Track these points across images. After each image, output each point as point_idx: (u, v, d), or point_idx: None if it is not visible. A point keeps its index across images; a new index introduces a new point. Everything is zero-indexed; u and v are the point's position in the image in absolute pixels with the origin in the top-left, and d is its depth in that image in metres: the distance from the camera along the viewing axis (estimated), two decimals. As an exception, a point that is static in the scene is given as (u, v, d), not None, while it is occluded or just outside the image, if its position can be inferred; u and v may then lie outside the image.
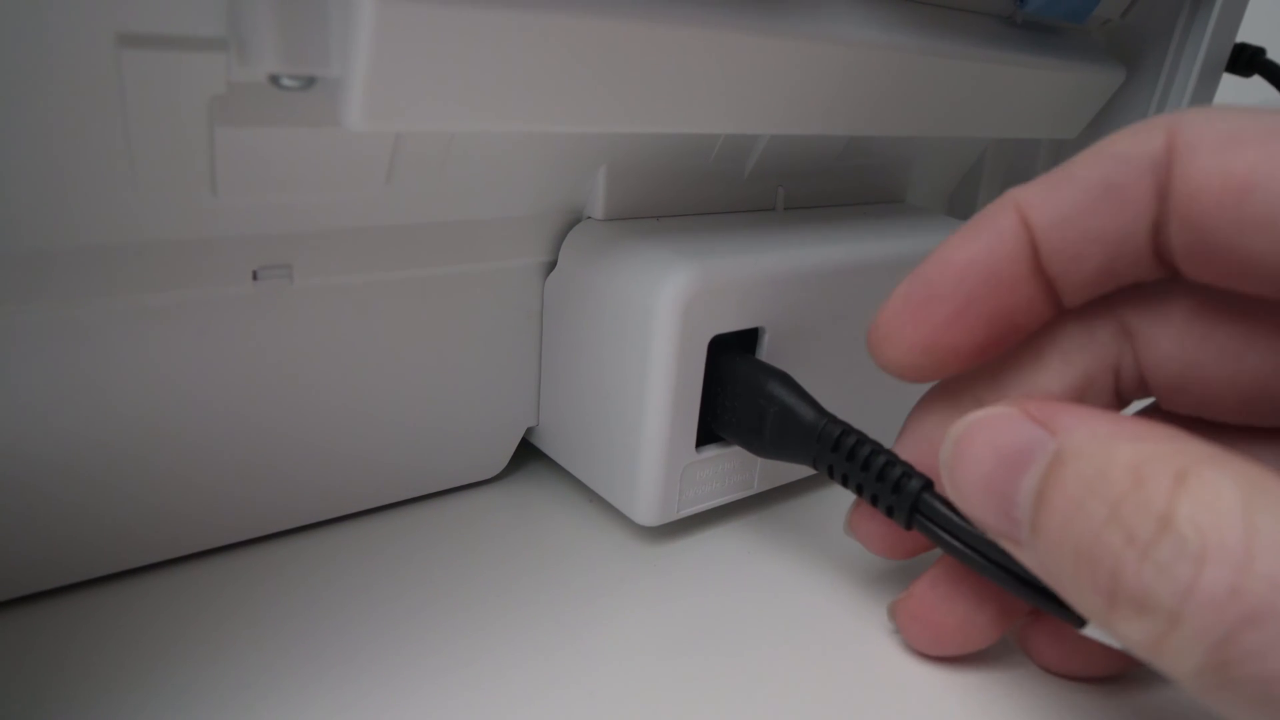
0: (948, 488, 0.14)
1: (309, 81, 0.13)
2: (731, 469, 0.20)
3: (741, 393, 0.18)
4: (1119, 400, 0.16)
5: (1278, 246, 0.12)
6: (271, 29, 0.12)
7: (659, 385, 0.18)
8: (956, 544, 0.15)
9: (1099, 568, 0.11)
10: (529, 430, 0.22)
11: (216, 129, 0.14)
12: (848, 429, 0.17)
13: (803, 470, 0.21)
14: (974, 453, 0.14)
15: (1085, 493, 0.12)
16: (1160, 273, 0.14)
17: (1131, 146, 0.13)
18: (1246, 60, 0.27)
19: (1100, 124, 0.27)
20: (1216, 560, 0.10)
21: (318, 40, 0.13)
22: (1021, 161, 0.29)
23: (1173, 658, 0.11)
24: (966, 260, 0.15)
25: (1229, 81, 0.27)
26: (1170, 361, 0.15)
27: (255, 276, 0.17)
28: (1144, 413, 0.16)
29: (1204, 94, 0.26)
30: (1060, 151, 0.28)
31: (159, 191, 0.15)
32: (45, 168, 0.14)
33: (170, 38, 0.13)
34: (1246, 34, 0.27)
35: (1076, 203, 0.14)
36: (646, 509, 0.19)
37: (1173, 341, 0.15)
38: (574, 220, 0.21)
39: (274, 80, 0.13)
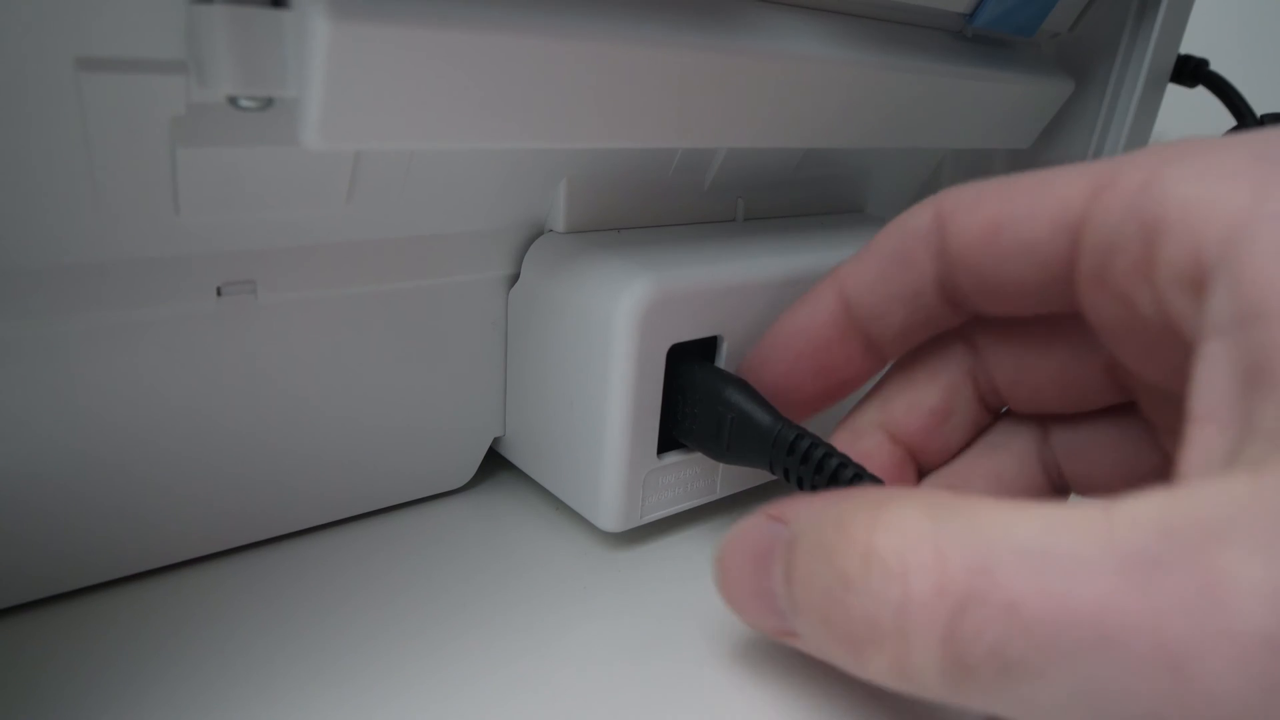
0: (730, 608, 0.15)
1: (267, 102, 0.14)
2: (693, 475, 0.21)
3: (701, 400, 0.19)
4: (984, 405, 0.18)
5: (1025, 269, 0.14)
6: (229, 52, 0.13)
7: (619, 393, 0.18)
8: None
9: (838, 622, 0.12)
10: (496, 440, 0.23)
11: (177, 149, 0.14)
12: (802, 433, 0.17)
13: (764, 476, 0.22)
14: (734, 566, 0.15)
15: (814, 561, 0.13)
16: (956, 319, 0.17)
17: (913, 220, 0.16)
18: (1190, 71, 0.28)
19: (1052, 133, 0.28)
20: (917, 572, 0.11)
21: (274, 62, 0.13)
22: (977, 171, 0.30)
23: (921, 673, 0.11)
24: (792, 329, 0.18)
25: (1174, 91, 0.28)
26: (1003, 367, 0.18)
27: (219, 293, 0.17)
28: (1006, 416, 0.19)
29: (1150, 103, 0.26)
30: (1016, 160, 0.29)
31: (122, 211, 0.15)
32: (9, 189, 0.14)
33: (129, 61, 0.13)
34: (1193, 47, 0.28)
35: (878, 270, 0.17)
36: (610, 515, 0.19)
37: (1002, 350, 0.17)
38: (536, 233, 0.21)
39: (233, 101, 0.13)
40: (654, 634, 0.18)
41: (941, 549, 0.11)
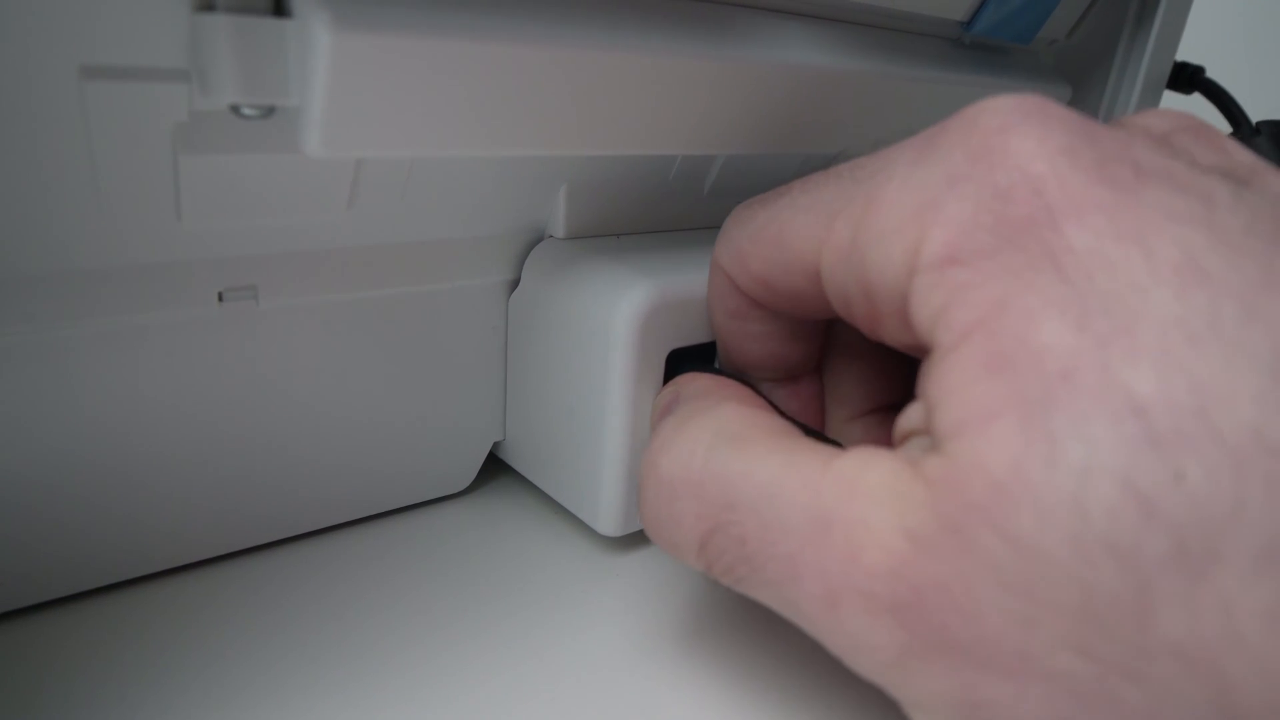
0: None
1: (269, 110, 0.14)
2: (692, 479, 0.21)
3: (699, 405, 0.19)
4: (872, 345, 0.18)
5: (807, 304, 0.16)
6: (231, 61, 0.13)
7: (618, 398, 0.18)
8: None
9: (645, 505, 0.15)
10: (496, 444, 0.23)
11: (180, 156, 0.15)
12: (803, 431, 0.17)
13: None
14: (655, 421, 0.18)
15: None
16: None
17: (716, 280, 0.18)
18: (1187, 78, 0.29)
19: (1049, 140, 0.28)
20: (684, 496, 0.14)
21: (277, 71, 0.13)
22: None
23: (692, 565, 0.15)
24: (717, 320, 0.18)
25: (1171, 98, 0.28)
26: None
27: (221, 298, 0.17)
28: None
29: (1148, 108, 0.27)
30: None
31: (125, 217, 0.15)
32: (13, 196, 0.14)
33: (133, 69, 0.13)
34: (1189, 54, 0.28)
35: (738, 329, 0.18)
36: (609, 520, 0.20)
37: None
38: (536, 239, 0.21)
39: (235, 110, 0.14)
40: (653, 638, 0.18)
41: (705, 479, 0.14)
